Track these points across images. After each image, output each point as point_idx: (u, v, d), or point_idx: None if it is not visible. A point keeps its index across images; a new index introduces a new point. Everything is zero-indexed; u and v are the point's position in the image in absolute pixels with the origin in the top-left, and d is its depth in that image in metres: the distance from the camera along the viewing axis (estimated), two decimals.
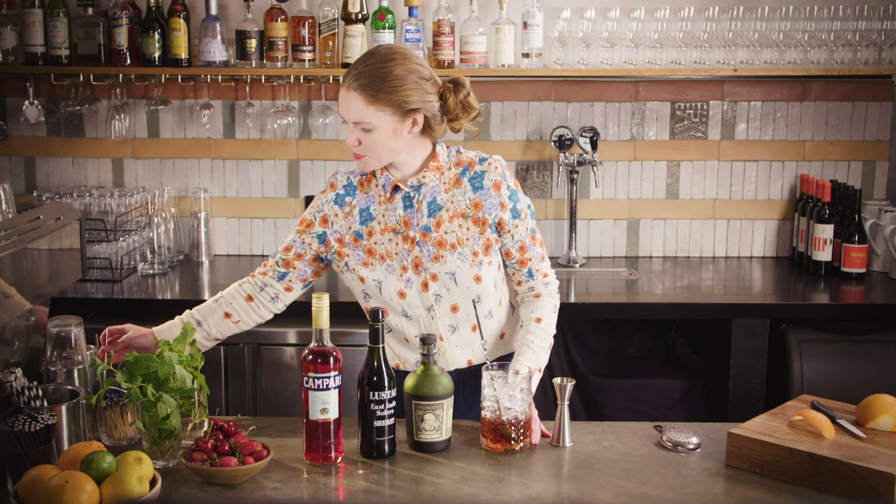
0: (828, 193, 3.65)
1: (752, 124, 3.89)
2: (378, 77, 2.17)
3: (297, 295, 2.43)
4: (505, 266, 2.39)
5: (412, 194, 2.29)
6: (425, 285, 2.29)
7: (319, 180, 3.91)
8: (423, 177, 2.28)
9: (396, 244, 2.29)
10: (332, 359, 2.05)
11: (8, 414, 1.95)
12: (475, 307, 2.31)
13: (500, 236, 2.31)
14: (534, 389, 2.23)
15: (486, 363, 2.18)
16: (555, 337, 2.39)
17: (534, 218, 2.37)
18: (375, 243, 2.30)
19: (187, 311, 2.40)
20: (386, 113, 2.18)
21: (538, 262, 2.37)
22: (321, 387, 2.04)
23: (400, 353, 2.40)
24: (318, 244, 2.35)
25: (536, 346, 2.30)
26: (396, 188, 2.29)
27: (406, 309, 2.32)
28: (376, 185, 2.32)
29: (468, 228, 2.28)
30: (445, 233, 2.28)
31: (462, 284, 2.29)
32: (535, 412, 2.19)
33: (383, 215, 2.30)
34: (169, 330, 2.36)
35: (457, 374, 2.34)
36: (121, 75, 3.70)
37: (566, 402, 2.16)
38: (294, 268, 2.38)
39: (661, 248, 3.98)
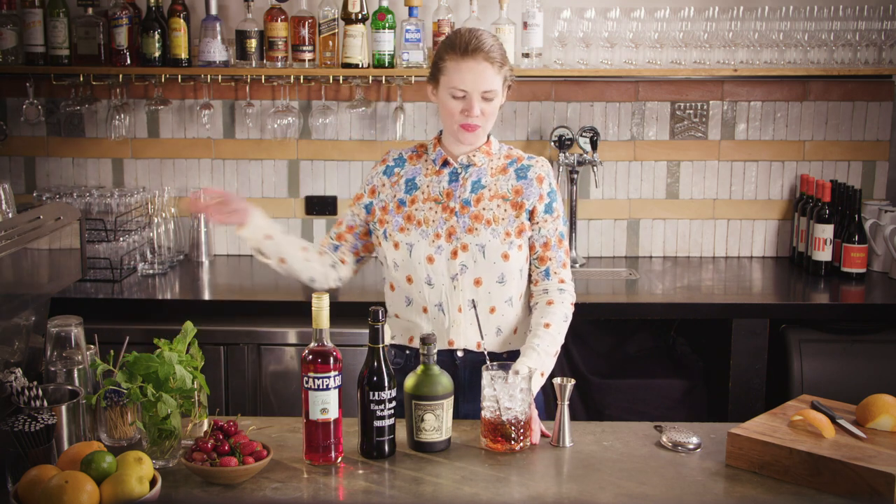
0: (828, 193, 3.65)
1: (752, 124, 3.90)
2: (499, 47, 2.35)
3: (351, 270, 2.52)
4: None
5: (459, 171, 2.41)
6: (454, 253, 2.37)
7: (319, 180, 3.91)
8: (474, 156, 2.40)
9: (436, 212, 2.39)
10: (332, 359, 2.05)
11: (8, 414, 1.95)
12: (495, 288, 2.37)
13: (529, 228, 2.41)
14: (535, 391, 2.24)
15: (486, 363, 2.18)
16: None
17: (565, 224, 2.46)
18: (416, 209, 2.40)
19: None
20: (502, 82, 2.36)
21: (558, 265, 2.43)
22: (321, 387, 2.04)
23: (415, 324, 2.41)
24: (366, 214, 2.47)
25: (542, 349, 2.31)
26: (446, 163, 2.41)
27: (431, 275, 2.38)
28: (426, 160, 2.45)
29: (506, 210, 2.39)
30: (484, 209, 2.38)
31: (489, 258, 2.36)
32: (535, 412, 2.19)
33: (428, 186, 2.42)
34: (268, 227, 2.41)
35: (464, 358, 2.38)
36: (121, 75, 3.70)
37: (566, 402, 2.16)
38: (345, 241, 2.50)
39: (661, 248, 3.98)
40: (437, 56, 2.37)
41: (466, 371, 2.39)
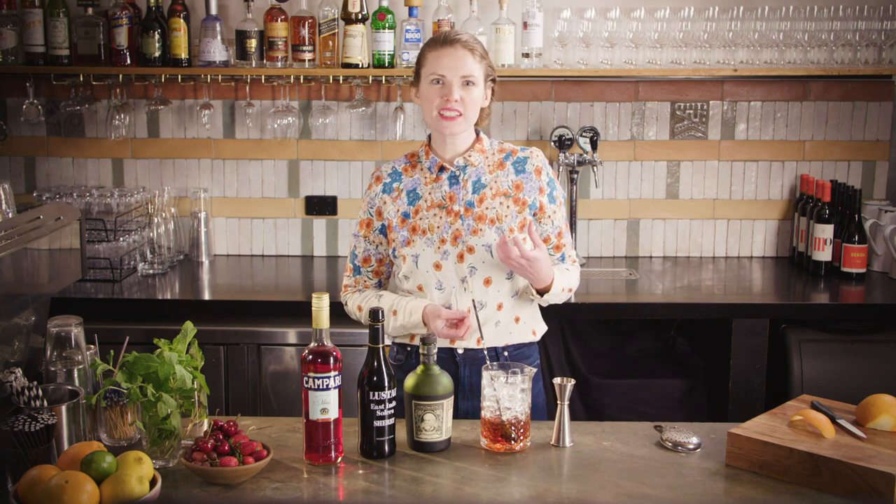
0: (828, 193, 3.65)
1: (752, 124, 3.89)
2: (478, 41, 2.43)
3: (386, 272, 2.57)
4: None
5: (458, 173, 2.43)
6: (461, 257, 2.39)
7: (319, 180, 3.91)
8: (469, 156, 2.43)
9: (440, 218, 2.41)
10: (332, 359, 2.05)
11: (8, 414, 1.95)
12: (504, 285, 2.40)
13: (538, 222, 2.44)
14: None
15: (486, 363, 2.18)
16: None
17: (565, 207, 2.52)
18: (420, 219, 2.42)
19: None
20: (483, 72, 2.40)
21: (570, 248, 2.52)
22: (321, 387, 2.04)
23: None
24: (383, 237, 2.48)
25: (560, 270, 2.41)
26: (442, 168, 2.43)
27: (441, 280, 2.41)
28: (421, 169, 2.46)
29: (508, 206, 2.41)
30: (487, 208, 2.41)
31: (497, 257, 2.37)
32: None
33: (430, 193, 2.44)
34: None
35: (464, 355, 2.40)
36: (121, 75, 3.70)
37: (566, 402, 2.16)
38: (381, 267, 2.53)
39: (661, 248, 3.98)
40: (419, 56, 2.44)
41: (466, 368, 2.41)
